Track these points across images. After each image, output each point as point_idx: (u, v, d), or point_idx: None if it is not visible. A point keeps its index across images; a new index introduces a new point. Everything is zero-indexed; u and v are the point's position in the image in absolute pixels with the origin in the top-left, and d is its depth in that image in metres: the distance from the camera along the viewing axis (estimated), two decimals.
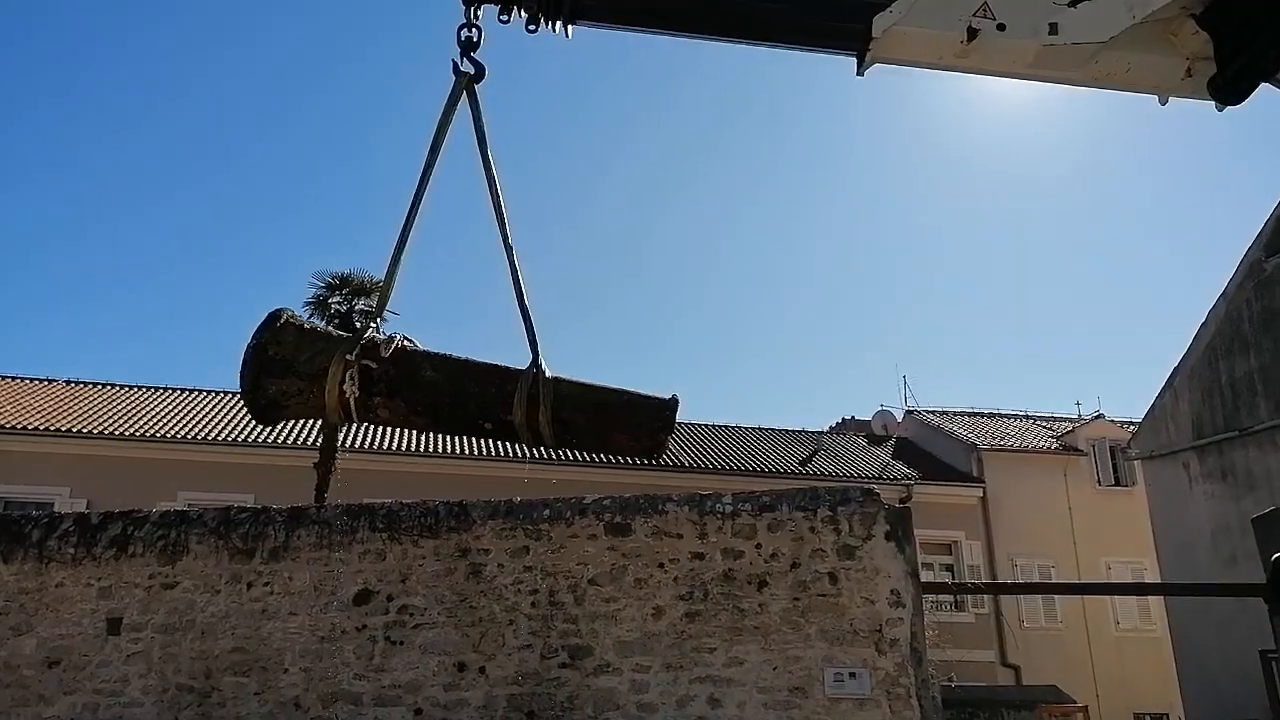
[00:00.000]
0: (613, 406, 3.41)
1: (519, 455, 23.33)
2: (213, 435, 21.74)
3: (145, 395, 24.47)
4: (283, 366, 3.27)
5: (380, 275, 17.70)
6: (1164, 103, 4.43)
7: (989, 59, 3.86)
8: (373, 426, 23.22)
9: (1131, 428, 23.30)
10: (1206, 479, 16.22)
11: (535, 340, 3.35)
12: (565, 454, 20.38)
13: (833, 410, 58.98)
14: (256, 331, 3.27)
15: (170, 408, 23.47)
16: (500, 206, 3.40)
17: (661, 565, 7.82)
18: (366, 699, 7.64)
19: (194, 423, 22.41)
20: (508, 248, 3.39)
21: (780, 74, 72.54)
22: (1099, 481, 27.16)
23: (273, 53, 61.38)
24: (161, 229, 57.68)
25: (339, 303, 18.80)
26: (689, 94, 66.57)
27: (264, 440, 21.65)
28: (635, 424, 3.41)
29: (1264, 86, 4.22)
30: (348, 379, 3.18)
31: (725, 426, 29.24)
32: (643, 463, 24.00)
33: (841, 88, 69.78)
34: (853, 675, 7.30)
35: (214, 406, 23.97)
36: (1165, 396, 17.69)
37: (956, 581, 24.09)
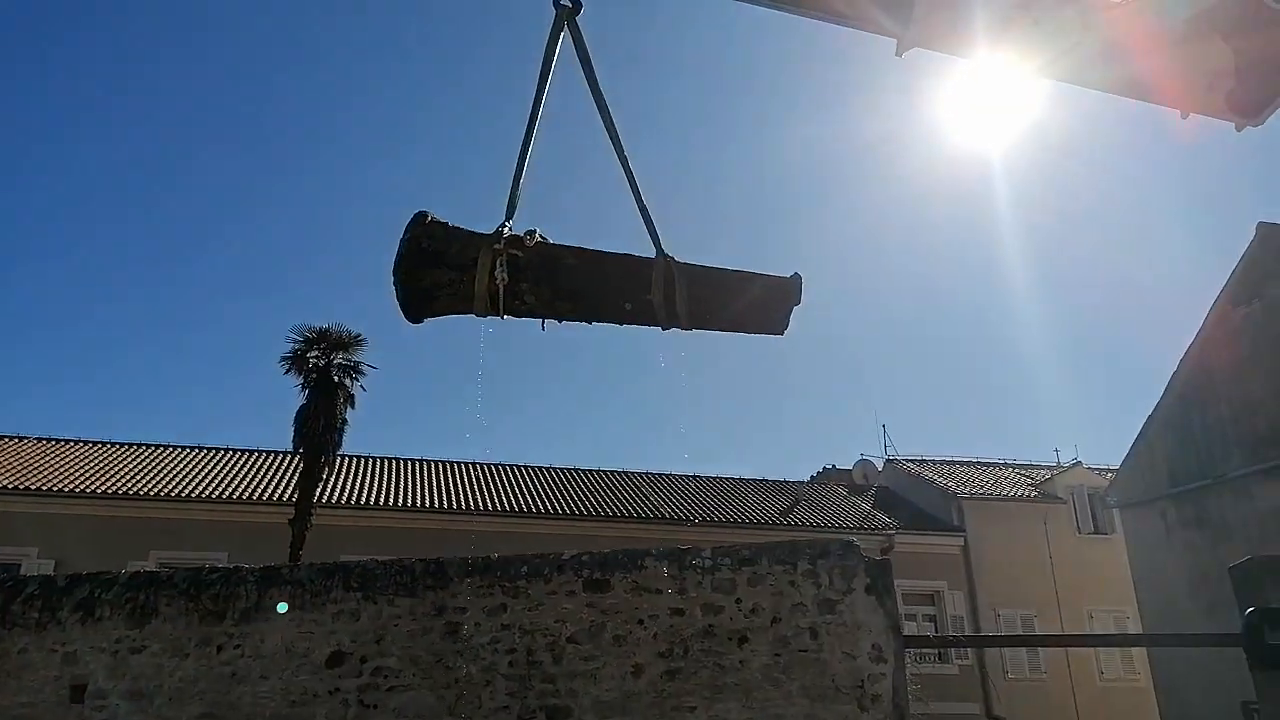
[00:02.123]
0: (743, 283, 3.57)
1: (494, 509, 23.13)
2: (186, 493, 21.36)
3: (117, 452, 24.08)
4: (435, 258, 3.41)
5: (358, 330, 17.71)
6: (1185, 117, 4.55)
7: (1021, 54, 3.96)
8: (347, 483, 22.96)
9: (1109, 475, 23.41)
10: (1184, 527, 16.30)
11: (656, 232, 3.54)
12: (541, 506, 20.24)
13: (814, 460, 58.86)
14: (405, 231, 3.43)
15: (143, 465, 23.09)
16: (611, 122, 3.62)
17: (641, 622, 7.72)
18: None
19: (167, 480, 22.04)
20: (623, 159, 3.61)
21: (742, 117, 73.90)
22: (1079, 529, 27.17)
23: (252, 108, 61.89)
24: (133, 284, 57.43)
25: (317, 357, 18.62)
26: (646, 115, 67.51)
27: (238, 497, 21.32)
28: (765, 299, 3.57)
29: None
30: (498, 266, 3.31)
31: (706, 478, 29.14)
32: (621, 514, 23.86)
33: (816, 130, 71.04)
34: None
35: (188, 463, 23.60)
36: (1141, 444, 17.83)
37: (939, 635, 23.86)
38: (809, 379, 65.65)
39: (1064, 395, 59.07)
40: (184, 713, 7.59)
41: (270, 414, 62.04)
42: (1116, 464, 20.14)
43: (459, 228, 3.49)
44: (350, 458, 24.07)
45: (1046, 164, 59.55)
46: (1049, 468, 30.21)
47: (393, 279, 3.46)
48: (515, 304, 3.41)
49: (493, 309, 3.39)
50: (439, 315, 3.58)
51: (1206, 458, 16.00)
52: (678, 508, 25.50)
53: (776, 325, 3.58)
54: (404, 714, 7.58)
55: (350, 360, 18.81)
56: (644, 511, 24.55)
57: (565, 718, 7.48)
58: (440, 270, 3.42)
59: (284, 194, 62.88)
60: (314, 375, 18.37)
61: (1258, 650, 3.72)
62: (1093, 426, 59.30)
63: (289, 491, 20.14)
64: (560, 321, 3.52)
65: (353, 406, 18.63)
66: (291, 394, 18.67)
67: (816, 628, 7.56)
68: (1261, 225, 15.20)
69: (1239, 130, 4.73)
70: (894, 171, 65.06)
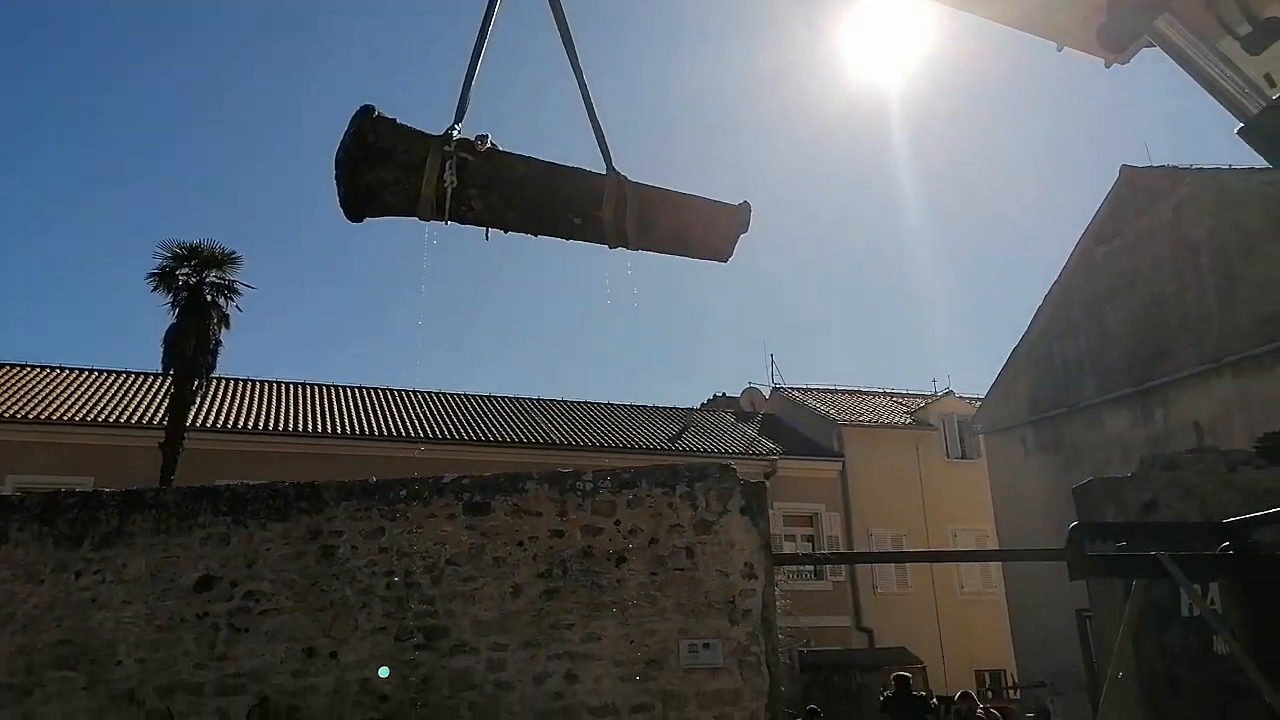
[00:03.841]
0: (693, 208, 3.56)
1: (379, 434, 22.76)
2: (47, 415, 20.20)
3: None
4: (381, 154, 3.28)
5: (230, 247, 16.85)
6: (1060, 50, 4.71)
7: None
8: (223, 406, 22.15)
9: (979, 403, 24.70)
10: (1041, 452, 17.43)
11: (607, 147, 3.49)
12: (428, 431, 19.86)
13: (707, 388, 59.96)
14: (350, 124, 3.30)
15: (1, 384, 21.68)
16: (567, 28, 3.55)
17: (520, 544, 7.80)
18: (208, 689, 7.33)
19: (26, 401, 20.77)
20: (576, 69, 3.54)
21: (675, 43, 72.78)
22: (948, 454, 28.69)
23: (118, 18, 57.14)
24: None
25: (187, 274, 17.65)
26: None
27: (105, 420, 20.31)
28: (714, 224, 3.57)
29: (1146, 55, 4.52)
30: (447, 169, 3.21)
31: (597, 404, 29.34)
32: (511, 440, 23.86)
33: (716, 60, 70.64)
34: (706, 646, 7.49)
35: (49, 384, 22.25)
36: (1006, 374, 18.85)
37: (805, 553, 24.93)
38: (704, 307, 66.52)
39: (949, 326, 61.67)
40: (40, 640, 7.32)
41: (138, 334, 58.97)
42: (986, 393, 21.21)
43: (406, 125, 3.36)
44: (227, 380, 23.18)
45: (940, 98, 60.92)
46: (926, 397, 31.60)
47: (334, 173, 3.30)
48: (461, 209, 3.32)
49: (437, 213, 3.28)
50: (380, 215, 3.48)
51: (1064, 387, 17.06)
52: (568, 433, 25.66)
53: (723, 252, 3.58)
54: (277, 637, 7.50)
55: (224, 279, 17.94)
56: (534, 437, 24.63)
57: (443, 637, 7.54)
58: (386, 168, 3.29)
59: (156, 101, 58.75)
60: (184, 294, 17.46)
61: (1078, 562, 4.07)
62: (975, 357, 62.28)
63: (159, 414, 19.28)
64: (505, 231, 3.44)
65: (228, 327, 17.86)
66: (160, 313, 17.74)
67: (692, 547, 7.79)
68: (1125, 168, 16.02)
69: (1108, 66, 4.93)
70: (792, 103, 65.44)
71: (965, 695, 13.97)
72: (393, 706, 7.18)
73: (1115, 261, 16.10)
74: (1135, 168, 15.92)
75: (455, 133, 3.33)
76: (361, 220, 3.47)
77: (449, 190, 3.23)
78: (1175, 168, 15.32)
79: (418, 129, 3.35)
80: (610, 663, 7.47)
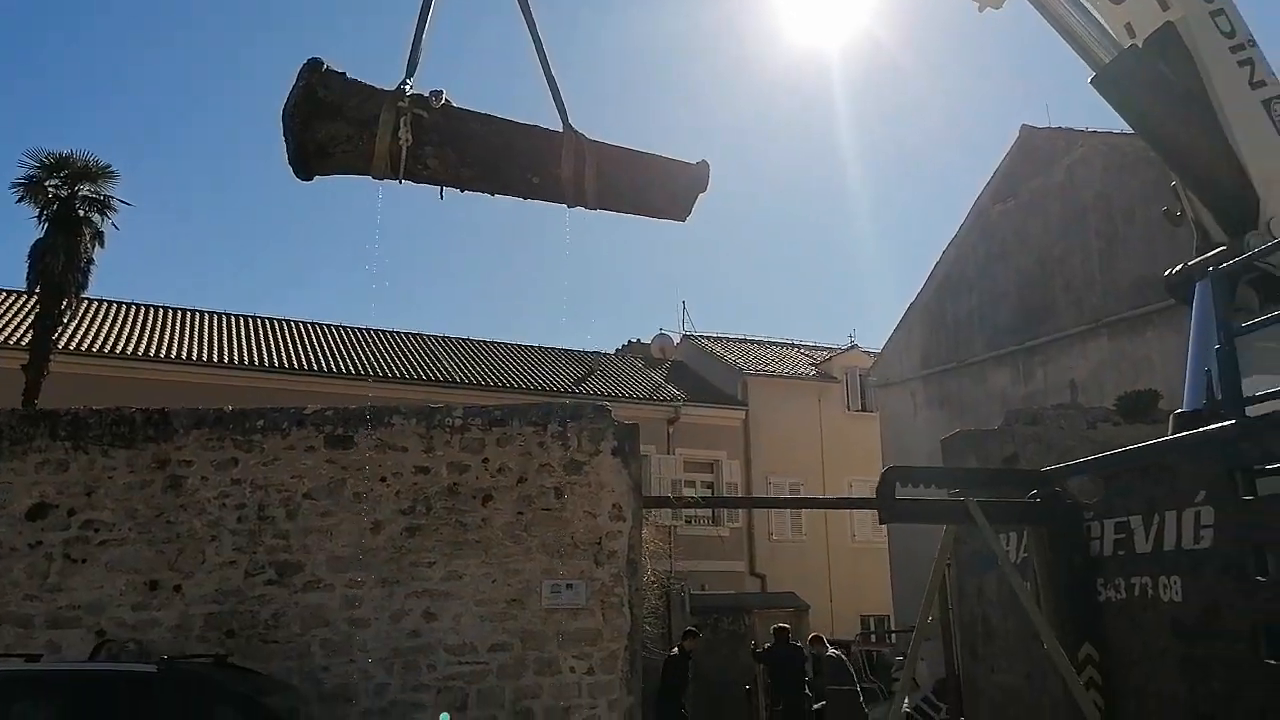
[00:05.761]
0: (652, 166, 3.50)
1: (273, 365, 21.96)
2: None
3: None
4: (332, 109, 3.14)
5: (103, 160, 15.82)
6: (981, 10, 4.73)
7: None
8: (100, 329, 21.02)
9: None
10: (929, 406, 17.89)
11: (564, 106, 3.43)
12: (325, 365, 19.16)
13: (623, 333, 59.74)
14: (298, 78, 3.11)
15: None
16: None
17: (384, 479, 7.55)
18: (38, 621, 6.96)
19: None
20: (531, 25, 3.46)
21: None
22: (849, 407, 29.28)
23: None
24: None
25: (56, 185, 16.44)
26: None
27: None
28: (673, 183, 3.53)
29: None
30: (402, 125, 3.10)
31: (503, 344, 28.91)
32: (402, 376, 23.26)
33: (653, 16, 69.32)
34: (569, 586, 7.42)
35: None
36: (900, 330, 19.24)
37: (677, 496, 25.18)
38: (630, 253, 66.12)
39: (877, 282, 62.64)
40: None
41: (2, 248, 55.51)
42: None
43: (357, 80, 3.21)
44: (102, 302, 21.96)
45: (878, 54, 60.93)
46: (834, 350, 32.08)
47: (283, 129, 3.14)
48: (416, 168, 3.21)
49: (392, 171, 3.17)
50: (332, 173, 3.31)
51: (953, 344, 17.49)
52: (470, 372, 25.24)
53: (680, 211, 3.65)
54: (117, 568, 7.14)
55: (98, 194, 16.82)
56: (433, 373, 24.14)
57: (296, 573, 7.29)
58: (338, 124, 3.14)
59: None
60: (54, 207, 16.31)
61: (887, 506, 4.07)
62: (899, 312, 63.43)
63: (24, 334, 18.13)
64: (461, 190, 3.33)
65: (101, 245, 16.79)
66: (26, 227, 16.57)
67: (561, 487, 7.67)
68: (1024, 127, 16.28)
69: (980, 11, 4.87)
70: (728, 55, 64.82)
71: (816, 639, 14.42)
72: (239, 642, 6.93)
73: (1009, 221, 16.42)
74: (1034, 128, 16.18)
75: (407, 88, 3.23)
76: (311, 179, 3.35)
77: (404, 148, 3.13)
78: (1071, 129, 15.60)
79: (369, 83, 3.22)
80: (471, 602, 7.35)
